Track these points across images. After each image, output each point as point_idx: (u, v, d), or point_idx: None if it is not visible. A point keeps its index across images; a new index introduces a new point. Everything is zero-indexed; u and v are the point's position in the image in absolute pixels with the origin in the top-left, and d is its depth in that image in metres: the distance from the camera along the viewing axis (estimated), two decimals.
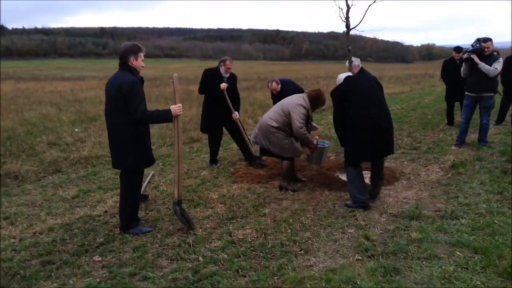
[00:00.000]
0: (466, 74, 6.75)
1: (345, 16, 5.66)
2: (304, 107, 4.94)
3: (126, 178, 3.88)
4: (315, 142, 5.14)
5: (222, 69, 5.98)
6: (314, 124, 5.43)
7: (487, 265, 3.10)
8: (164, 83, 22.49)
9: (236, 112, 6.13)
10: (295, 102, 4.98)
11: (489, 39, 6.58)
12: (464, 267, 3.11)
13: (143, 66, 3.81)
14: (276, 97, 6.41)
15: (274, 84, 6.50)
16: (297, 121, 4.87)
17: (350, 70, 5.76)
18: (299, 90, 6.17)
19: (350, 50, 6.13)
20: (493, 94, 6.82)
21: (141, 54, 3.76)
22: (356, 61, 5.63)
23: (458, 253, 3.32)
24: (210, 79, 6.00)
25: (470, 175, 5.33)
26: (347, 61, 6.17)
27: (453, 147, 6.85)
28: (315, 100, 5.07)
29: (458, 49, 8.49)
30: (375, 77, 4.84)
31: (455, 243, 3.47)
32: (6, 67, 50.14)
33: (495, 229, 3.70)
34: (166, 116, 3.73)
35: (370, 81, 4.63)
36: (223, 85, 5.91)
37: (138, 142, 3.78)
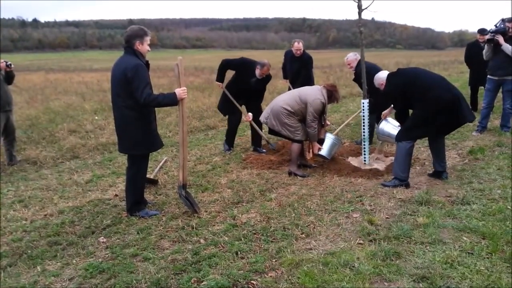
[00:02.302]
0: (489, 56, 6.46)
1: None
2: (322, 102, 4.98)
3: (132, 162, 3.94)
4: (322, 136, 5.24)
5: (257, 72, 5.80)
6: (328, 122, 5.46)
7: (493, 250, 2.98)
8: (188, 73, 22.71)
9: (251, 114, 6.02)
10: (314, 95, 4.97)
11: None
12: (469, 252, 3.00)
13: (148, 50, 3.83)
14: (297, 60, 6.79)
15: (301, 44, 6.60)
16: (312, 114, 4.93)
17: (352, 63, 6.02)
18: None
19: (362, 32, 5.88)
20: None
21: (147, 38, 3.78)
22: (353, 55, 5.74)
23: (465, 238, 3.21)
24: (241, 70, 5.93)
25: (488, 160, 5.14)
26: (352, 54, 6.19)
27: (474, 133, 6.61)
28: (331, 96, 5.10)
29: (482, 31, 8.12)
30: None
31: (463, 228, 3.36)
32: (38, 59, 51.83)
33: (507, 215, 3.55)
34: (170, 100, 3.75)
35: (418, 68, 4.88)
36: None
37: (144, 126, 3.82)
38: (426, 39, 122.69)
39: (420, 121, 4.38)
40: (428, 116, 4.31)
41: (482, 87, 8.51)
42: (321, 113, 5.10)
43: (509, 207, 3.71)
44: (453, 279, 2.68)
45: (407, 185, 4.42)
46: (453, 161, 5.27)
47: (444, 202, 3.94)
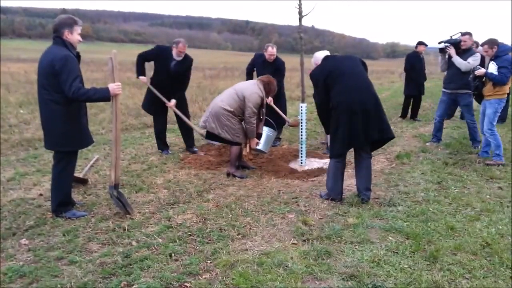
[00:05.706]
0: (443, 68, 6.41)
1: (299, 2, 5.73)
2: (260, 96, 5.00)
3: (59, 159, 3.70)
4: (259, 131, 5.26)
5: (174, 51, 5.64)
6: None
7: (416, 249, 3.18)
8: (125, 68, 21.91)
9: (174, 101, 5.74)
10: (251, 89, 4.99)
11: (468, 33, 6.17)
12: (394, 251, 3.17)
13: (80, 41, 3.63)
14: (270, 65, 6.58)
15: (275, 49, 6.61)
16: (251, 109, 4.93)
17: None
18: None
19: (302, 38, 6.10)
20: (469, 91, 6.13)
21: (77, 28, 3.59)
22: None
23: (391, 238, 3.39)
24: (159, 57, 5.69)
25: (413, 165, 5.49)
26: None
27: (427, 143, 6.68)
28: (267, 88, 5.13)
29: (423, 43, 8.65)
30: (357, 57, 4.45)
31: (389, 229, 3.54)
32: None
33: (429, 216, 3.81)
34: (103, 95, 3.56)
35: (355, 61, 4.29)
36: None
37: (72, 122, 3.61)
38: (362, 49, 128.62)
39: (332, 134, 4.12)
40: (338, 125, 4.01)
41: (414, 97, 9.05)
42: (260, 107, 5.12)
43: (431, 209, 3.99)
44: (379, 277, 2.82)
45: (339, 200, 4.19)
46: (381, 165, 5.57)
47: (372, 203, 4.14)
